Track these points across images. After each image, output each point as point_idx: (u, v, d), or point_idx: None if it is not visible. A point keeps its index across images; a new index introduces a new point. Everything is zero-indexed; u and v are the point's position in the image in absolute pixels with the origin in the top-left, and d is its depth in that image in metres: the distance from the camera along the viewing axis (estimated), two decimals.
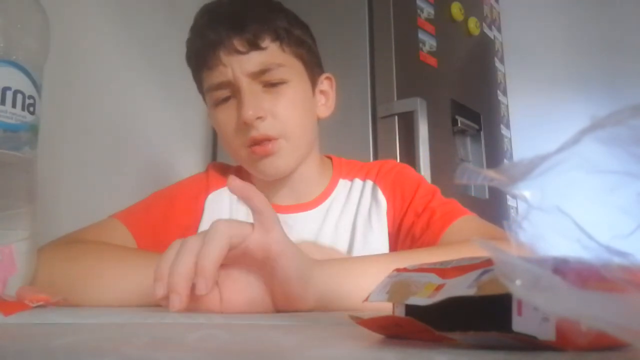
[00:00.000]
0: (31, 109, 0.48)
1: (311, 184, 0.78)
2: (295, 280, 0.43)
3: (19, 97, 0.47)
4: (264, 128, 0.68)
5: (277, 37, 0.71)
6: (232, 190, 0.41)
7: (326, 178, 0.80)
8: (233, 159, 0.76)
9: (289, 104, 0.70)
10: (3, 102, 0.46)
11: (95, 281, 0.53)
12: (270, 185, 0.77)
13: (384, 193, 0.76)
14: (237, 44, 0.68)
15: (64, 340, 0.24)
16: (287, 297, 0.44)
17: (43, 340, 0.26)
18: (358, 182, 0.79)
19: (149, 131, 1.42)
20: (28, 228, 0.48)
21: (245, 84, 0.68)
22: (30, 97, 0.48)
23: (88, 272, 0.54)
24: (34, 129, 0.49)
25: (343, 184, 0.80)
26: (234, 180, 0.41)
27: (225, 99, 0.71)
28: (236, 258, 0.42)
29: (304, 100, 0.73)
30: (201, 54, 0.71)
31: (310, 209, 0.77)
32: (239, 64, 0.68)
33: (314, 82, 0.77)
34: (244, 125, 0.68)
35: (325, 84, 0.80)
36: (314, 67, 0.77)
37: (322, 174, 0.80)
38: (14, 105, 0.46)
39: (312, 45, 0.77)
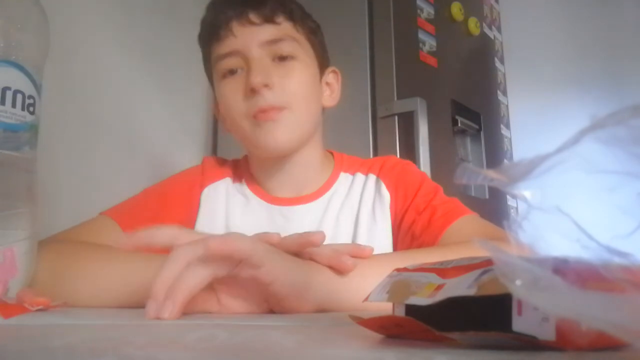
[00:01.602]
0: (31, 109, 0.48)
1: (312, 175, 0.77)
2: (291, 296, 0.43)
3: (19, 97, 0.47)
4: (270, 98, 0.67)
5: (291, 18, 0.71)
6: (212, 252, 0.39)
7: (327, 171, 0.79)
8: (234, 134, 0.75)
9: (297, 79, 0.70)
10: (3, 102, 0.46)
11: (84, 282, 0.53)
12: (271, 175, 0.76)
13: (388, 188, 0.75)
14: (252, 16, 0.69)
15: (64, 340, 0.24)
16: (285, 308, 0.43)
17: (43, 340, 0.26)
18: (360, 176, 0.78)
19: (149, 130, 1.42)
20: (28, 228, 0.48)
21: (255, 52, 0.68)
22: (30, 97, 0.48)
23: (77, 272, 0.54)
24: (34, 129, 0.49)
25: (344, 177, 0.79)
26: (212, 243, 0.38)
27: (232, 72, 0.70)
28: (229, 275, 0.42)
29: (311, 80, 0.73)
30: (214, 27, 0.71)
31: (310, 201, 0.76)
32: (251, 34, 0.68)
33: (321, 71, 0.77)
34: (251, 93, 0.67)
35: (331, 76, 0.80)
36: (323, 56, 0.78)
37: (324, 166, 0.79)
38: (14, 105, 0.46)
39: (322, 40, 0.78)
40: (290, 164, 0.75)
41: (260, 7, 0.69)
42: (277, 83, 0.68)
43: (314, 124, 0.74)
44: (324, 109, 0.79)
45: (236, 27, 0.69)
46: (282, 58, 0.70)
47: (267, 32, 0.69)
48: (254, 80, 0.66)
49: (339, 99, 0.80)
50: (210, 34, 0.72)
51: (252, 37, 0.68)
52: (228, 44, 0.69)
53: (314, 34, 0.76)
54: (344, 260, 0.46)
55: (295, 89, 0.69)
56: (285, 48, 0.69)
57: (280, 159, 0.74)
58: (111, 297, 0.50)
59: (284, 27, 0.70)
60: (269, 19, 0.69)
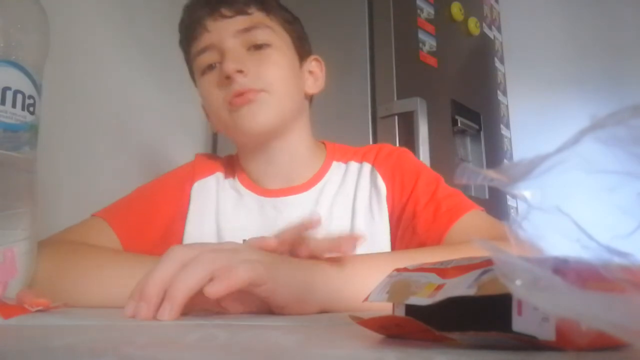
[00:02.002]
0: (31, 109, 0.48)
1: (301, 164, 0.76)
2: (291, 304, 0.42)
3: (19, 97, 0.47)
4: (246, 82, 0.67)
5: (264, 8, 0.72)
6: (213, 296, 0.37)
7: (319, 161, 0.78)
8: (221, 129, 0.74)
9: (273, 65, 0.70)
10: (3, 102, 0.46)
11: (83, 282, 0.53)
12: (259, 165, 0.75)
13: (384, 179, 0.73)
14: (224, 11, 0.70)
15: (64, 340, 0.24)
16: (286, 313, 0.43)
17: (43, 340, 0.26)
18: (353, 164, 0.77)
19: (149, 130, 1.42)
20: (28, 228, 0.48)
21: (229, 43, 0.69)
22: (30, 97, 0.48)
23: (77, 273, 0.54)
24: (34, 129, 0.49)
25: (337, 166, 0.77)
26: (212, 289, 0.37)
27: (210, 67, 0.71)
28: None
29: (288, 65, 0.73)
30: (189, 27, 0.72)
31: (302, 192, 0.74)
32: (224, 26, 0.69)
33: (301, 58, 0.76)
34: (226, 81, 0.67)
35: (313, 64, 0.79)
36: (302, 44, 0.77)
37: (315, 156, 0.78)
38: (14, 105, 0.46)
39: (300, 30, 0.78)
40: (276, 152, 0.74)
41: (232, 2, 0.70)
42: (253, 70, 0.68)
43: (295, 109, 0.73)
44: (310, 97, 0.78)
45: (209, 23, 0.70)
46: (257, 47, 0.70)
47: (239, 22, 0.69)
48: (227, 67, 0.66)
49: (323, 86, 0.79)
50: (187, 34, 0.73)
51: (225, 29, 0.69)
52: (203, 40, 0.70)
53: (290, 23, 0.75)
54: (343, 243, 0.45)
55: (272, 74, 0.69)
56: (259, 36, 0.70)
57: (264, 146, 0.73)
58: (112, 298, 0.50)
59: (257, 16, 0.71)
60: (241, 11, 0.70)
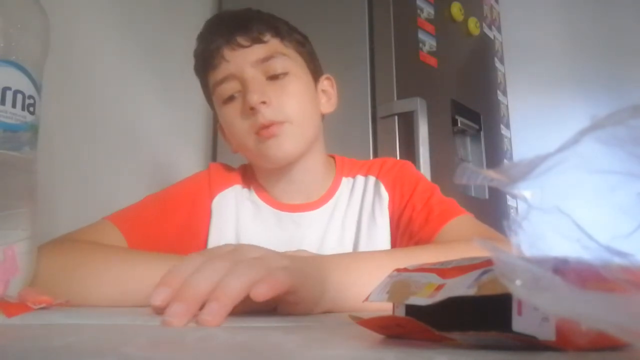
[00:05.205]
0: (31, 109, 0.48)
1: (317, 181, 0.80)
2: (310, 306, 0.43)
3: (19, 97, 0.47)
4: (269, 114, 0.69)
5: (278, 34, 0.74)
6: (260, 299, 0.36)
7: (330, 176, 0.82)
8: (242, 153, 0.78)
9: (293, 93, 0.73)
10: (3, 102, 0.46)
11: (94, 280, 0.53)
12: (278, 182, 0.78)
13: (387, 188, 0.77)
14: (241, 40, 0.72)
15: (65, 340, 0.24)
16: (295, 313, 0.43)
17: (44, 340, 0.26)
18: (360, 178, 0.81)
19: (149, 131, 1.42)
20: (28, 228, 0.48)
21: (249, 73, 0.71)
22: (30, 97, 0.48)
23: (87, 270, 0.54)
24: (34, 129, 0.49)
25: (346, 182, 0.82)
26: (258, 292, 0.36)
27: (231, 97, 0.73)
28: None
29: (307, 91, 0.76)
30: (206, 57, 0.74)
31: (317, 207, 0.79)
32: (242, 56, 0.71)
33: (315, 79, 0.80)
34: (250, 112, 0.70)
35: (325, 83, 0.82)
36: (314, 65, 0.80)
37: (327, 172, 0.82)
38: (14, 105, 0.46)
39: (312, 50, 0.81)
40: (296, 171, 0.77)
41: (247, 30, 0.72)
42: (274, 100, 0.70)
43: (315, 132, 0.77)
44: (323, 116, 0.81)
45: (227, 52, 0.72)
46: (276, 75, 0.72)
47: (257, 51, 0.72)
48: (251, 99, 0.68)
49: (336, 104, 0.83)
50: (204, 63, 0.75)
51: (243, 59, 0.71)
52: (222, 70, 0.72)
53: (303, 45, 0.78)
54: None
55: (293, 103, 0.72)
56: (277, 65, 0.72)
57: (285, 167, 0.76)
58: (127, 298, 0.50)
59: (272, 44, 0.73)
60: (257, 39, 0.72)
